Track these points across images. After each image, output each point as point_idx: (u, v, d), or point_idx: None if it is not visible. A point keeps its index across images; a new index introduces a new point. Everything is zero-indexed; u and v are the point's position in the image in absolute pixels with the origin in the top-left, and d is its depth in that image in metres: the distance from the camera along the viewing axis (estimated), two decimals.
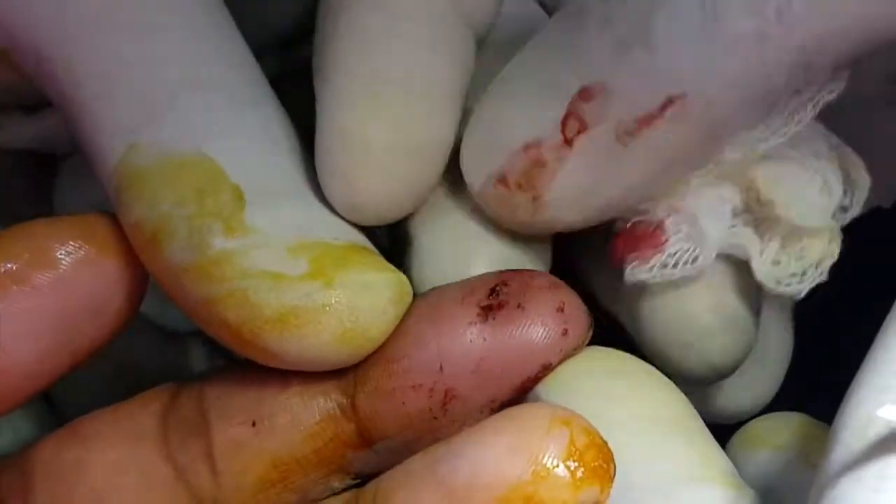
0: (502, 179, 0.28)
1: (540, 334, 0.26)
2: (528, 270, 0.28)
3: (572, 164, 0.27)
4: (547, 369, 0.27)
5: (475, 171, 0.29)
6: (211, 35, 0.29)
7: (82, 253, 0.27)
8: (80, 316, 0.27)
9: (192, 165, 0.27)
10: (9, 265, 0.27)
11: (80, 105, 0.28)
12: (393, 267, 0.28)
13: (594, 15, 0.26)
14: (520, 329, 0.26)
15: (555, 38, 0.28)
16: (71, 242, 0.27)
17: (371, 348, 0.27)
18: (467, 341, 0.26)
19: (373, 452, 0.28)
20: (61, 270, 0.27)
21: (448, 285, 0.28)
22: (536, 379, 0.27)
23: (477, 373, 0.26)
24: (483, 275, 0.28)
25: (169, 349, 0.37)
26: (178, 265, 0.26)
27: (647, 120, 0.26)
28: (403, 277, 0.28)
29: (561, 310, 0.27)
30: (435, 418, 0.27)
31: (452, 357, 0.26)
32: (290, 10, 0.35)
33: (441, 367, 0.26)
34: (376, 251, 0.28)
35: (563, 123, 0.27)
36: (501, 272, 0.28)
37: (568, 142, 0.27)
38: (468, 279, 0.28)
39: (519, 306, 0.27)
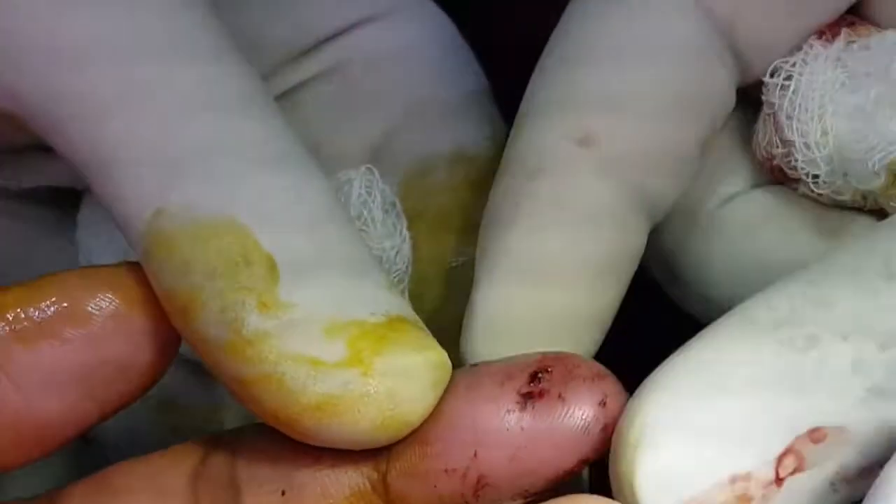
0: None
1: (580, 428, 0.26)
2: (572, 356, 0.27)
3: (776, 502, 0.25)
4: (584, 463, 0.27)
5: (658, 493, 0.25)
6: (235, 90, 0.27)
7: (113, 307, 0.27)
8: (108, 371, 0.27)
9: (223, 231, 0.25)
10: (40, 316, 0.26)
11: (100, 169, 0.26)
12: (433, 341, 0.27)
13: (840, 355, 0.24)
14: (559, 421, 0.26)
15: (777, 366, 0.25)
16: (101, 296, 0.27)
17: (408, 431, 0.26)
18: (504, 429, 0.26)
19: None
20: (91, 325, 0.27)
21: (488, 365, 0.27)
22: (572, 472, 0.27)
23: (513, 462, 0.26)
24: (524, 356, 0.27)
25: (212, 385, 0.35)
26: (211, 340, 0.25)
27: (870, 470, 0.24)
28: (443, 356, 0.26)
29: (603, 403, 0.26)
30: (467, 503, 0.27)
31: (488, 444, 0.26)
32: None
33: (476, 454, 0.26)
34: (416, 319, 0.27)
35: (780, 460, 0.25)
36: (544, 356, 0.27)
37: (779, 480, 0.25)
38: (510, 360, 0.27)
39: (560, 396, 0.26)
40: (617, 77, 0.28)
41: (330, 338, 0.25)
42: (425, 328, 0.27)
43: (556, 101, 0.29)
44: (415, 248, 0.33)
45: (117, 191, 0.27)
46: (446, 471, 0.26)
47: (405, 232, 0.32)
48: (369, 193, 0.31)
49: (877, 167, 0.28)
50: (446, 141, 0.36)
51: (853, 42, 0.28)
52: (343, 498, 0.27)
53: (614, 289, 0.29)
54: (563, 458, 0.26)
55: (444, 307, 0.33)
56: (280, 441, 0.27)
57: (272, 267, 0.26)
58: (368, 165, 0.32)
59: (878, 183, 0.28)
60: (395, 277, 0.32)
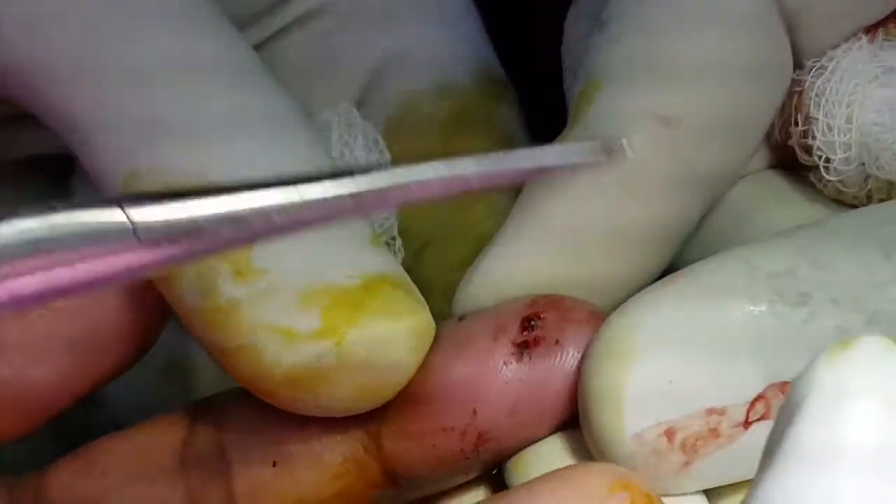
0: (670, 433, 0.25)
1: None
2: (563, 298, 0.26)
3: (737, 447, 0.25)
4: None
5: (641, 413, 0.25)
6: (212, 52, 0.26)
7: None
8: (100, 340, 0.27)
9: None
10: None
11: (77, 134, 0.26)
12: (415, 302, 0.26)
13: (826, 317, 0.24)
14: (559, 367, 0.26)
15: (766, 314, 0.25)
16: None
17: (391, 395, 0.26)
18: (502, 382, 0.26)
19: (399, 490, 0.27)
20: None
21: (475, 316, 0.26)
22: (566, 424, 0.26)
23: (513, 415, 0.26)
24: (513, 303, 0.26)
25: None
26: (189, 307, 0.25)
27: None
28: (424, 319, 0.26)
29: None
30: (467, 458, 0.26)
31: (486, 400, 0.26)
32: None
33: (475, 411, 0.26)
34: (398, 275, 0.26)
35: (752, 404, 0.25)
36: (534, 300, 0.26)
37: (747, 423, 0.25)
38: (497, 309, 0.26)
39: (557, 342, 0.26)
40: (699, 50, 0.28)
41: (304, 307, 0.25)
42: (407, 285, 0.26)
43: (636, 73, 0.28)
44: None
45: (94, 155, 0.26)
46: (444, 430, 0.26)
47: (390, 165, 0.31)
48: (350, 133, 0.31)
49: None
50: (431, 76, 0.35)
51: (891, 40, 0.29)
52: (337, 465, 0.26)
53: (660, 258, 0.29)
54: (568, 404, 0.25)
55: (430, 242, 0.32)
56: (266, 409, 0.26)
57: None
58: (346, 104, 0.31)
59: None
60: (379, 219, 0.31)
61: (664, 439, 0.25)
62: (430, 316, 0.26)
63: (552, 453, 0.26)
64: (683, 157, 0.27)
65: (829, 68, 0.29)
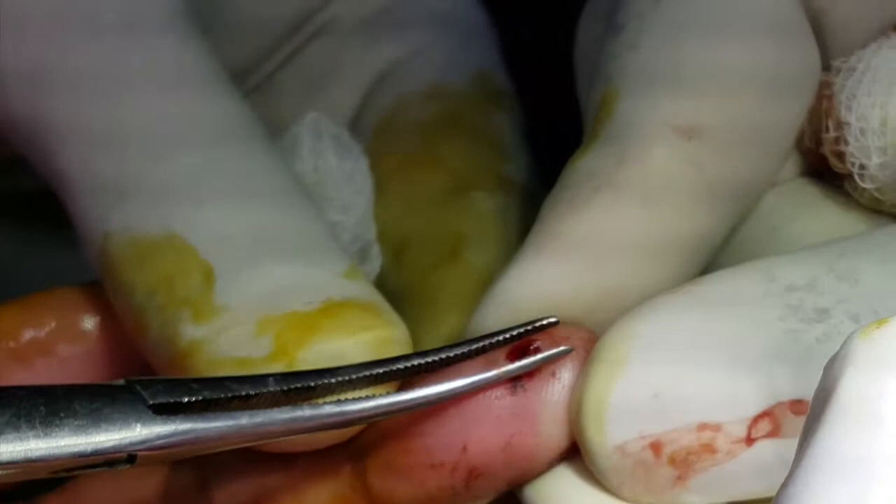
0: (656, 446, 0.23)
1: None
2: (560, 327, 0.25)
3: (739, 463, 0.24)
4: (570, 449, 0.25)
5: (622, 425, 0.24)
6: (184, 91, 0.27)
7: (111, 324, 0.27)
8: None
9: (161, 247, 0.25)
10: (35, 333, 0.26)
11: (60, 194, 0.27)
12: (379, 319, 0.25)
13: (845, 336, 0.22)
14: (555, 399, 0.25)
15: (777, 328, 0.24)
16: (100, 313, 0.27)
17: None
18: (495, 418, 0.25)
19: None
20: (88, 342, 0.27)
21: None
22: (571, 450, 0.25)
23: (507, 451, 0.25)
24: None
25: None
26: (159, 358, 0.25)
27: None
28: (385, 333, 0.25)
29: None
30: (457, 495, 0.25)
31: (478, 436, 0.25)
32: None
33: (465, 447, 0.25)
34: (368, 297, 0.25)
35: (755, 421, 0.24)
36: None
37: (750, 440, 0.23)
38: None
39: (553, 374, 0.25)
40: (721, 59, 0.26)
41: (259, 335, 0.24)
42: (377, 307, 0.25)
43: (657, 82, 0.27)
44: (383, 184, 0.32)
45: (76, 217, 0.27)
46: (433, 465, 0.25)
47: (365, 170, 0.31)
48: (319, 141, 0.31)
49: None
50: (426, 80, 0.35)
51: None
52: (322, 501, 0.26)
53: (686, 274, 0.27)
54: (562, 438, 0.25)
55: (407, 245, 0.32)
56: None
57: (208, 274, 0.25)
58: (315, 113, 0.31)
59: None
60: (358, 222, 0.31)
61: (650, 452, 0.24)
62: (398, 333, 0.25)
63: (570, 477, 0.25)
64: (707, 169, 0.26)
65: (859, 69, 0.27)
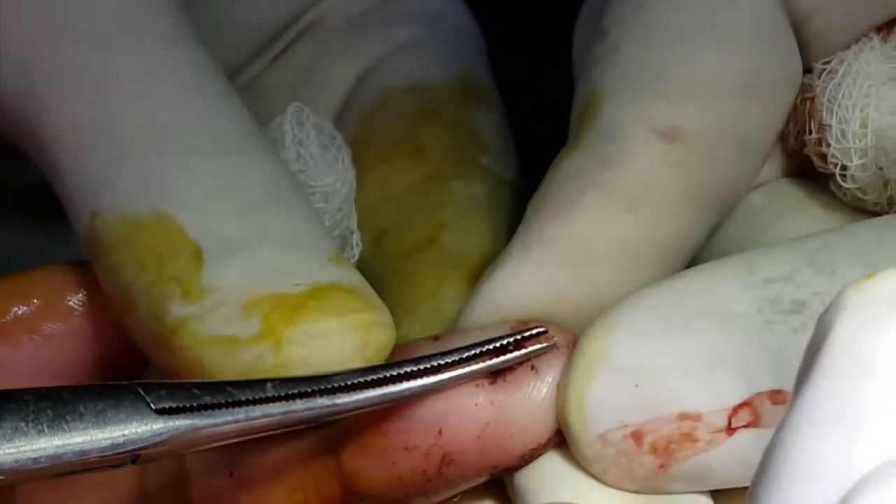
0: (637, 435, 0.24)
1: (554, 400, 0.25)
2: (543, 327, 0.25)
3: (720, 452, 0.24)
4: (557, 437, 0.25)
5: (603, 414, 0.24)
6: (172, 75, 0.27)
7: (96, 302, 0.27)
8: (90, 366, 0.27)
9: (150, 226, 0.25)
10: (21, 310, 0.26)
11: (49, 174, 0.27)
12: (365, 304, 0.25)
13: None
14: (532, 394, 0.25)
15: (754, 320, 0.24)
16: (85, 291, 0.27)
17: None
18: (472, 405, 0.25)
19: None
20: (74, 320, 0.27)
21: (450, 336, 0.26)
22: (545, 447, 0.26)
23: (481, 439, 0.25)
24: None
25: None
26: (146, 335, 0.25)
27: None
28: (371, 316, 0.25)
29: None
30: (429, 480, 0.25)
31: (454, 421, 0.25)
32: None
33: (440, 431, 0.25)
34: (355, 284, 0.26)
35: (735, 410, 0.24)
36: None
37: (731, 430, 0.24)
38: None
39: (533, 369, 0.25)
40: (702, 64, 0.27)
41: (247, 315, 0.25)
42: (363, 292, 0.26)
43: (639, 86, 0.27)
44: (364, 174, 0.32)
45: (65, 197, 0.27)
46: (406, 448, 0.25)
47: (347, 161, 0.32)
48: (301, 130, 0.31)
49: None
50: (407, 75, 0.35)
51: None
52: (294, 478, 0.26)
53: (669, 274, 0.27)
54: (536, 433, 0.25)
55: (387, 232, 0.32)
56: None
57: (197, 255, 0.25)
58: (297, 103, 0.31)
59: None
60: (339, 209, 0.31)
61: (631, 441, 0.24)
62: (383, 317, 0.25)
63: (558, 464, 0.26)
64: (689, 172, 0.27)
65: (841, 71, 0.27)
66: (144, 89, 0.27)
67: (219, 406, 0.23)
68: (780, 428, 0.18)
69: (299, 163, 0.30)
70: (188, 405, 0.23)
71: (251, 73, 0.36)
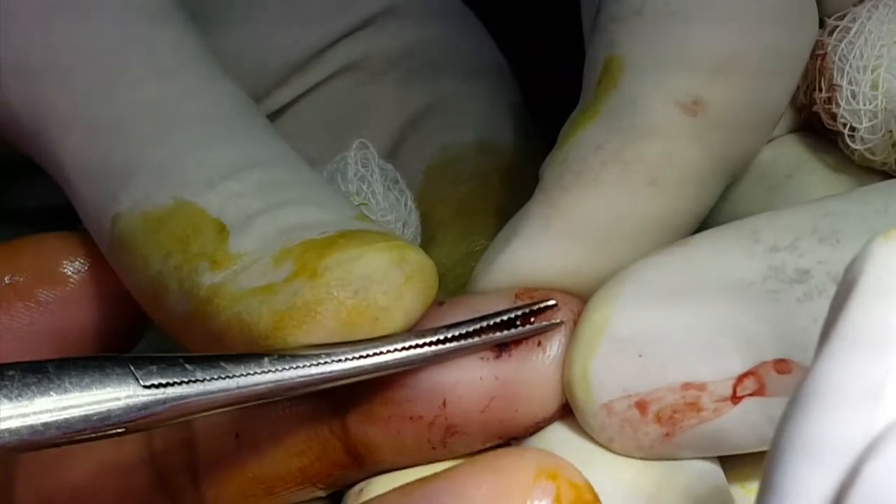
0: (642, 405, 0.24)
1: (559, 375, 0.25)
2: (551, 300, 0.25)
3: (726, 420, 0.24)
4: (562, 410, 0.26)
5: (607, 384, 0.24)
6: (179, 68, 0.27)
7: (90, 270, 0.27)
8: (84, 334, 0.27)
9: (173, 215, 0.25)
10: (15, 277, 0.26)
11: (65, 184, 0.27)
12: (398, 240, 0.25)
13: (825, 297, 0.23)
14: (538, 368, 0.25)
15: (759, 289, 0.24)
16: (80, 259, 0.27)
17: (392, 318, 0.24)
18: (477, 378, 0.25)
19: (363, 472, 0.26)
20: (68, 287, 0.27)
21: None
22: (550, 420, 0.26)
23: (486, 412, 0.25)
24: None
25: None
26: (181, 318, 0.25)
27: None
28: (406, 250, 0.25)
29: None
30: (433, 448, 0.25)
31: (458, 394, 0.25)
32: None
33: (444, 403, 0.25)
34: (377, 229, 0.26)
35: (740, 380, 0.24)
36: (519, 293, 0.25)
37: (736, 399, 0.24)
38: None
39: (539, 344, 0.25)
40: (725, 37, 0.26)
41: (278, 264, 0.24)
42: (394, 234, 0.25)
43: (663, 56, 0.27)
44: (436, 232, 0.32)
45: (83, 204, 0.27)
46: (412, 418, 0.25)
47: (411, 204, 0.31)
48: (366, 168, 0.31)
49: None
50: (470, 131, 0.35)
51: None
52: (299, 442, 0.26)
53: None
54: (541, 407, 0.25)
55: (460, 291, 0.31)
56: None
57: (221, 229, 0.25)
58: (362, 140, 0.31)
59: None
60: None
61: (635, 411, 0.25)
62: (417, 253, 0.25)
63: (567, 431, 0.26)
64: (711, 145, 0.26)
65: (853, 30, 0.27)
66: (152, 89, 0.26)
67: (210, 381, 0.23)
68: (805, 378, 0.18)
69: (360, 197, 0.30)
70: (177, 381, 0.23)
71: (279, 101, 0.35)
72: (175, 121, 0.26)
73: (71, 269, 0.27)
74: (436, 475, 0.22)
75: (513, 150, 0.35)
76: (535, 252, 0.26)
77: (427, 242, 0.33)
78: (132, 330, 0.27)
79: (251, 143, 0.27)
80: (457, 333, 0.24)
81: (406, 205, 0.31)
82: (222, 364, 0.23)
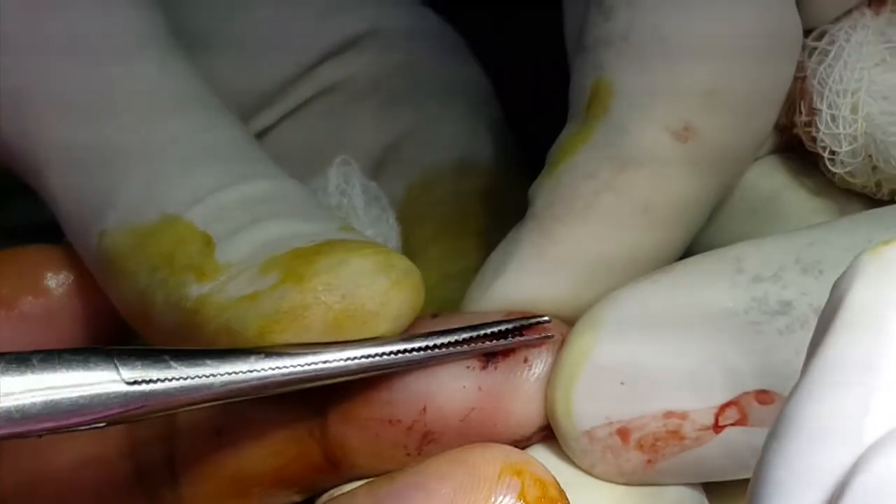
0: (624, 432, 0.24)
1: (543, 394, 0.25)
2: (544, 320, 0.25)
3: (708, 449, 0.24)
4: (544, 431, 0.25)
5: (589, 411, 0.24)
6: (163, 88, 0.27)
7: (73, 282, 0.27)
8: (66, 346, 0.25)
9: (160, 229, 0.26)
10: None
11: (52, 205, 0.27)
12: (385, 249, 0.25)
13: (807, 329, 0.23)
14: (521, 383, 0.25)
15: (741, 319, 0.24)
16: (64, 272, 0.27)
17: (379, 323, 0.24)
18: (460, 387, 0.25)
19: (339, 477, 0.27)
20: (51, 300, 0.27)
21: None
22: (530, 441, 0.26)
23: (464, 422, 0.25)
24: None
25: None
26: (169, 330, 0.25)
27: None
28: (392, 257, 0.25)
29: None
30: (408, 455, 0.25)
31: (440, 401, 0.25)
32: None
33: (425, 409, 0.25)
34: (363, 239, 0.26)
35: (722, 409, 0.24)
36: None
37: (718, 428, 0.24)
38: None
39: (525, 360, 0.25)
40: (714, 63, 0.26)
41: (265, 273, 0.25)
42: (375, 244, 0.25)
43: (653, 83, 0.26)
44: (416, 252, 0.32)
45: (68, 220, 0.27)
46: (390, 421, 0.25)
47: (392, 221, 0.31)
48: (347, 182, 0.31)
49: None
50: (452, 152, 0.35)
51: None
52: (278, 441, 0.26)
53: None
54: (519, 424, 0.25)
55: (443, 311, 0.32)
56: None
57: (207, 241, 0.25)
58: (344, 157, 0.31)
59: None
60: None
61: (617, 438, 0.25)
62: (403, 261, 0.25)
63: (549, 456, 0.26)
64: (703, 170, 0.26)
65: (832, 53, 0.27)
66: (138, 106, 0.26)
67: (194, 378, 0.23)
68: (795, 388, 0.18)
69: (341, 212, 0.30)
70: (161, 378, 0.23)
71: (262, 123, 0.35)
72: (161, 137, 0.26)
73: (54, 281, 0.27)
74: (403, 470, 0.22)
75: (494, 170, 0.35)
76: (527, 282, 0.26)
77: None
78: (117, 340, 0.27)
79: (237, 159, 0.27)
80: (445, 341, 0.24)
81: (388, 221, 0.31)
82: (207, 361, 0.23)
